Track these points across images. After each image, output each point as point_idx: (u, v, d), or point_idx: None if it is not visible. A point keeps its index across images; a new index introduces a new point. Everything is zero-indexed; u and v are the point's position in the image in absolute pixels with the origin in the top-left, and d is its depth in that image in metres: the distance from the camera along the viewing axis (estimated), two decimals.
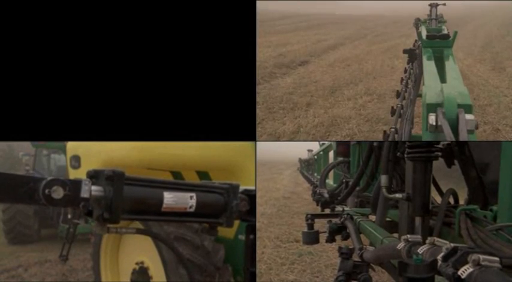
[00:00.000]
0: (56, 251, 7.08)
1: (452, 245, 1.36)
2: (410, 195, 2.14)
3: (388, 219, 2.99)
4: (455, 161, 2.37)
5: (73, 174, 3.98)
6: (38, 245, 8.88)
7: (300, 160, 14.60)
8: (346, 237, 3.22)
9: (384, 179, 2.49)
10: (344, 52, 13.16)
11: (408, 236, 1.74)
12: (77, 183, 1.50)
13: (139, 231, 1.83)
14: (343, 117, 6.84)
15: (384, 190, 2.47)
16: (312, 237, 3.75)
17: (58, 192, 1.44)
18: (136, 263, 3.73)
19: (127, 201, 1.62)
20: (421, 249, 1.55)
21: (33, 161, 10.40)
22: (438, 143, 2.16)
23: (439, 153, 2.19)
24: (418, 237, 1.72)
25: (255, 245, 2.12)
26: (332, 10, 33.27)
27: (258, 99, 5.58)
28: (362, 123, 6.60)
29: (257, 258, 5.78)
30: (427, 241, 1.56)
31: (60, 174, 9.56)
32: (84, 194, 1.51)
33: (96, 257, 4.19)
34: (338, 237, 3.34)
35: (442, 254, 1.34)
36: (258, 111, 6.28)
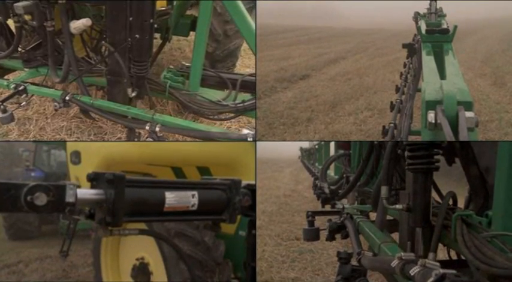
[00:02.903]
0: (57, 247, 7.09)
1: (441, 271, 1.44)
2: (410, 206, 2.11)
3: (389, 217, 2.97)
4: (456, 159, 2.35)
5: (73, 170, 3.97)
6: (38, 240, 8.87)
7: (301, 149, 14.70)
8: (346, 236, 3.21)
9: (384, 190, 2.45)
10: (345, 66, 12.97)
11: (402, 254, 1.76)
12: (61, 188, 1.44)
13: (141, 232, 1.81)
14: (344, 133, 6.77)
15: (384, 202, 2.44)
16: (312, 234, 3.76)
17: (41, 199, 1.38)
18: (137, 259, 3.74)
19: (129, 204, 1.59)
20: (412, 271, 1.60)
21: (33, 157, 10.39)
22: (439, 146, 2.13)
23: (439, 165, 2.17)
24: (411, 255, 1.75)
25: (255, 239, 2.12)
26: (332, 24, 33.10)
27: (258, 114, 5.48)
28: (362, 140, 6.54)
29: (258, 256, 5.79)
30: (419, 263, 1.60)
31: (61, 170, 9.56)
32: (70, 198, 1.45)
33: (96, 253, 4.19)
34: (338, 235, 3.34)
35: (431, 280, 1.42)
36: (258, 126, 6.19)
